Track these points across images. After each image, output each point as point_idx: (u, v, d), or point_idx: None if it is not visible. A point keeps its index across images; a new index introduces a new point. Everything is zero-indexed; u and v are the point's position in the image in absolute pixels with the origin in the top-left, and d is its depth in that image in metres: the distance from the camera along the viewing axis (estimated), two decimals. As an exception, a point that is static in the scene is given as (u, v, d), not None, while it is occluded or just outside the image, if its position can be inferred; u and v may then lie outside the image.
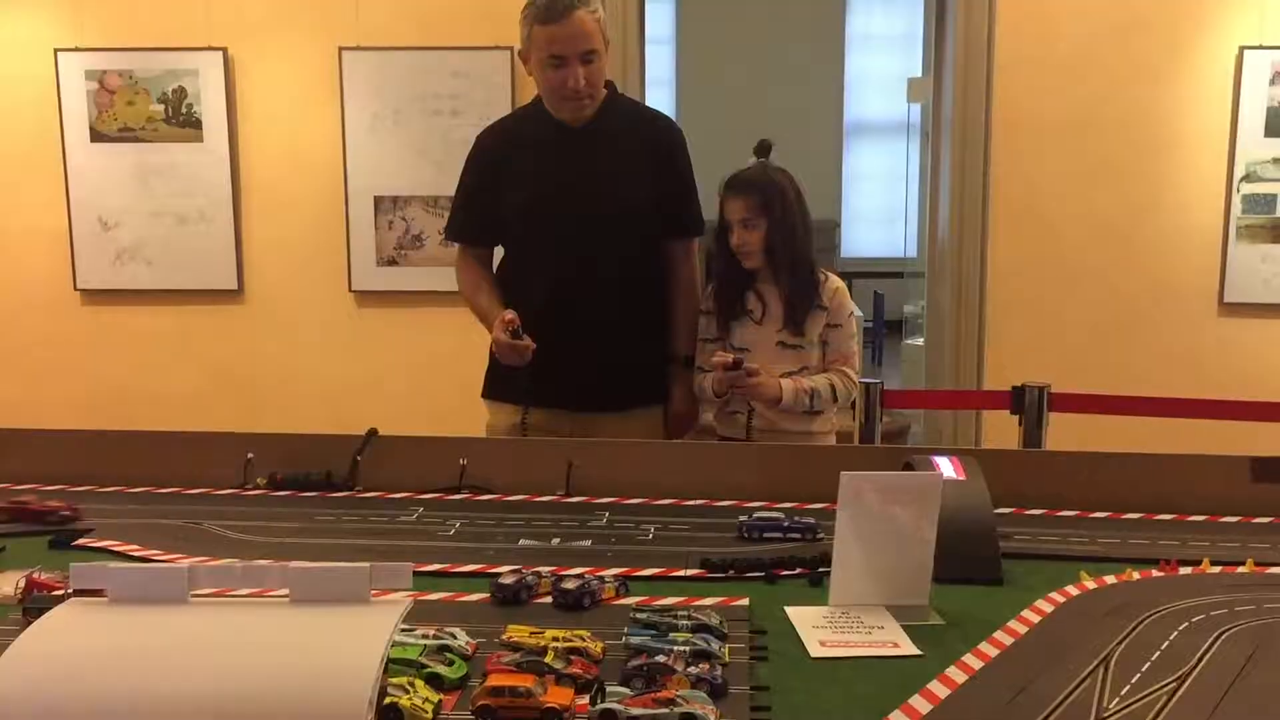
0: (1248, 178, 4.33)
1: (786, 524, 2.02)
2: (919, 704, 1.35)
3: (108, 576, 1.27)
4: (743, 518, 2.05)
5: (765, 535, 2.01)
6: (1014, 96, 4.36)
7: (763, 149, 2.77)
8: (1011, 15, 4.32)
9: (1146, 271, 4.41)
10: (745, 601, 1.69)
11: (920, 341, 5.57)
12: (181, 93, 4.46)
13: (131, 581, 1.27)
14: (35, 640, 1.20)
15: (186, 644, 1.20)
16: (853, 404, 3.03)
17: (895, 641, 1.55)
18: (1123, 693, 1.38)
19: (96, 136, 4.49)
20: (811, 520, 2.02)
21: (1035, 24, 4.33)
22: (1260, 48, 4.26)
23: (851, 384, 2.76)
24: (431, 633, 1.48)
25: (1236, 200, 4.34)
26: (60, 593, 1.58)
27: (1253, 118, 4.29)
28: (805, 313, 2.72)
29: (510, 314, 2.59)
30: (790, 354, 2.73)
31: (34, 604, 1.54)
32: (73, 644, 1.20)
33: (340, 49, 4.40)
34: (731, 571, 1.83)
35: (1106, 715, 1.32)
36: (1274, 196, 4.33)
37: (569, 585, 1.69)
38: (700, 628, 1.53)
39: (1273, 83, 4.27)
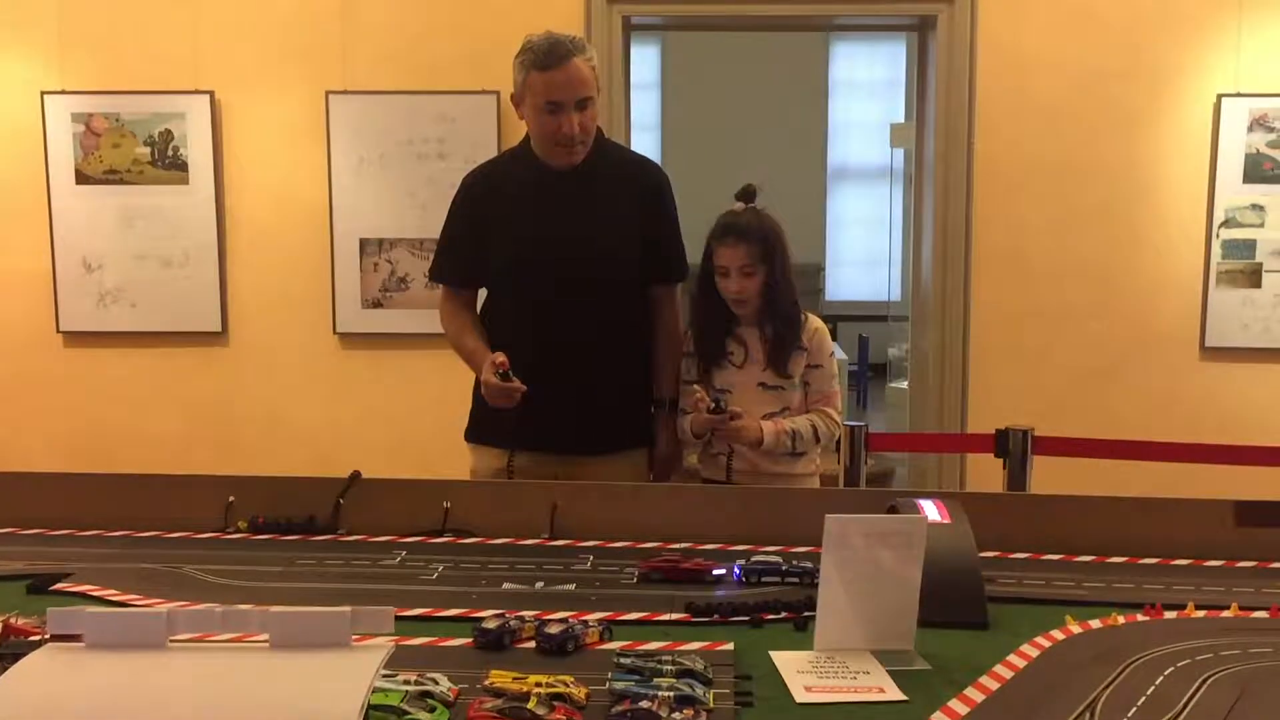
0: (1227, 223, 4.37)
1: (785, 568, 2.01)
2: (905, 750, 1.35)
3: (85, 621, 1.26)
4: (740, 562, 2.04)
5: (764, 579, 1.99)
6: (995, 142, 4.41)
7: (748, 195, 2.77)
8: (993, 62, 4.38)
9: (1128, 316, 4.44)
10: (730, 646, 1.68)
11: (905, 385, 5.59)
12: (168, 136, 4.47)
13: (109, 626, 1.26)
14: (10, 685, 1.19)
15: (164, 689, 1.18)
16: (837, 446, 3.04)
17: (880, 686, 1.54)
18: (1109, 738, 1.37)
19: (82, 179, 4.49)
20: (809, 564, 1.98)
21: (1016, 71, 4.38)
22: (1238, 95, 4.32)
23: (834, 424, 2.77)
24: (413, 678, 1.47)
25: (1216, 245, 4.38)
26: (37, 638, 1.56)
27: (1231, 164, 4.34)
28: (787, 354, 2.72)
29: (500, 356, 2.59)
30: (771, 395, 2.73)
31: (9, 649, 1.52)
32: (48, 689, 1.18)
33: (327, 93, 4.42)
34: (716, 616, 1.82)
35: (1093, 761, 1.32)
36: (1253, 242, 4.37)
37: (553, 630, 1.67)
38: (685, 673, 1.51)
39: (1250, 130, 4.33)
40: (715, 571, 2.01)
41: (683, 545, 2.18)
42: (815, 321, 2.79)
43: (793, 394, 2.74)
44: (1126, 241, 4.43)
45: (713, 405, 2.63)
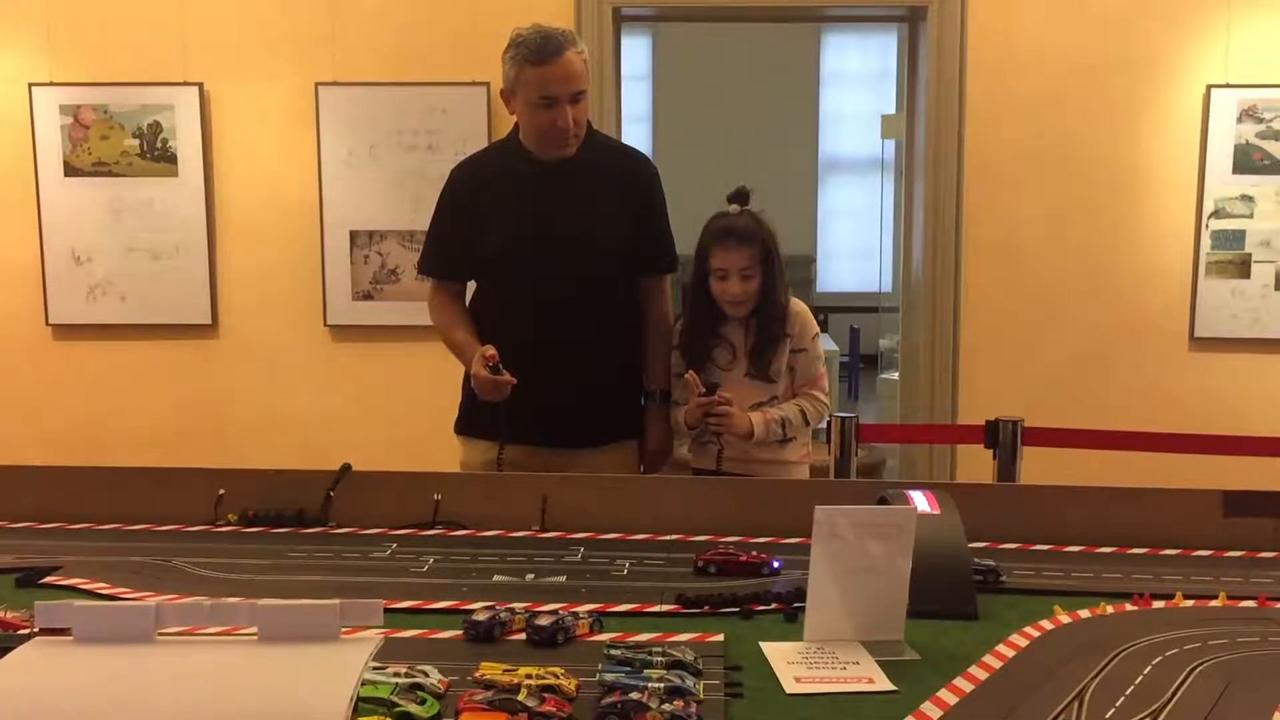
0: (1216, 214, 4.38)
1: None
2: (894, 740, 1.35)
3: (73, 615, 1.26)
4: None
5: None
6: (986, 133, 4.41)
7: (741, 196, 2.77)
8: (983, 53, 4.38)
9: (1118, 307, 4.45)
10: (720, 637, 1.68)
11: (895, 376, 5.59)
12: (157, 127, 4.45)
13: (97, 620, 1.26)
14: (-2, 680, 1.19)
15: (152, 683, 1.18)
16: (827, 436, 3.05)
17: (870, 677, 1.54)
18: (1097, 727, 1.38)
19: (70, 171, 4.47)
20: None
21: (1007, 62, 4.38)
22: (1227, 86, 4.32)
23: (822, 406, 2.78)
24: (403, 671, 1.46)
25: (1206, 236, 4.39)
26: (25, 631, 1.55)
27: (1220, 155, 4.35)
28: (773, 350, 2.73)
29: (490, 349, 2.58)
30: (758, 386, 2.74)
31: (-2, 643, 1.52)
32: (36, 683, 1.18)
33: (317, 84, 4.41)
34: (706, 607, 1.82)
35: (1081, 750, 1.32)
36: (1242, 232, 4.38)
37: (543, 622, 1.67)
38: (675, 664, 1.51)
39: (1240, 120, 4.34)
40: (774, 564, 2.00)
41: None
42: (797, 305, 2.80)
43: (779, 381, 2.75)
44: (1116, 232, 4.43)
45: (703, 390, 2.64)
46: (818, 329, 2.85)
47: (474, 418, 2.79)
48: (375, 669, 1.42)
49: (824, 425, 2.95)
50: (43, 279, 4.51)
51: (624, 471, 2.73)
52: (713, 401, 2.64)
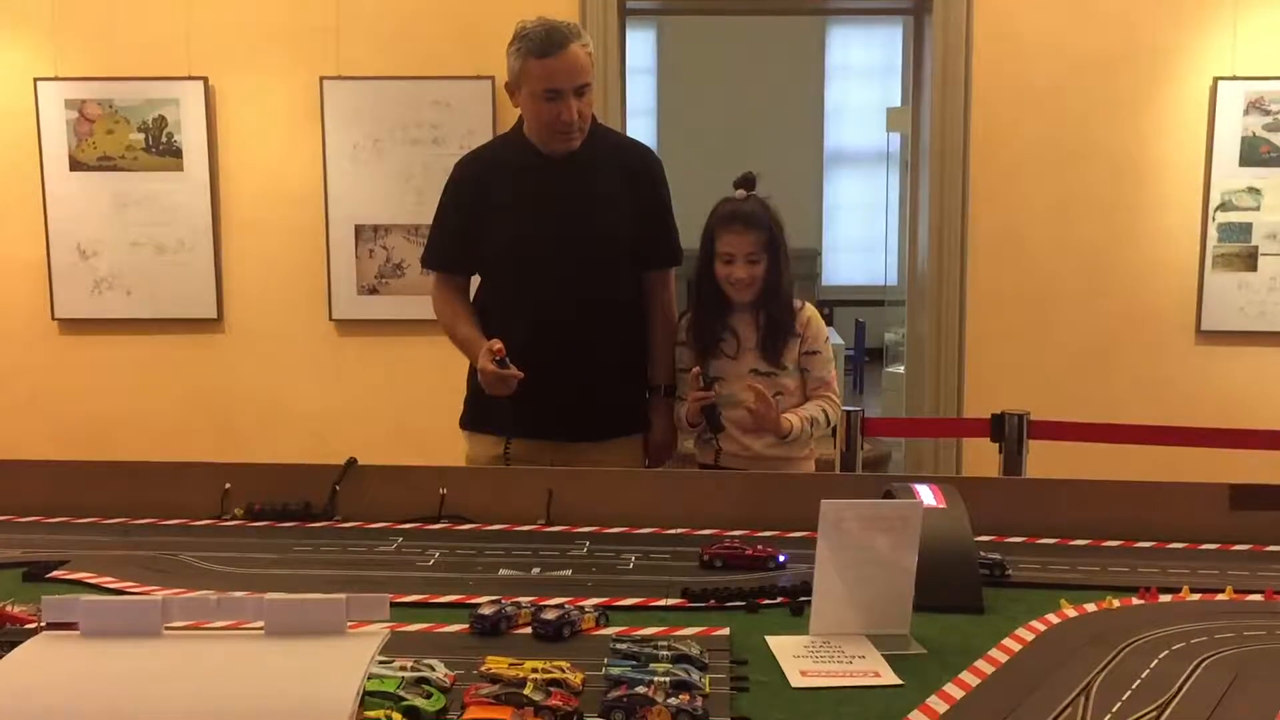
0: (1223, 206, 4.37)
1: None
2: (900, 734, 1.35)
3: (80, 609, 1.26)
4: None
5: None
6: (992, 127, 4.40)
7: (747, 182, 2.77)
8: (988, 46, 4.37)
9: (1124, 300, 4.44)
10: (726, 631, 1.68)
11: (901, 369, 5.59)
12: (162, 122, 4.45)
13: (104, 614, 1.26)
14: (4, 674, 1.19)
15: (159, 677, 1.18)
16: (833, 431, 3.05)
17: (876, 671, 1.54)
18: (1104, 721, 1.37)
19: (76, 165, 4.48)
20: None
21: (1012, 55, 4.37)
22: (1234, 78, 4.31)
23: (836, 408, 2.79)
24: (409, 664, 1.47)
25: (1212, 229, 4.38)
26: (33, 626, 1.55)
27: (1227, 147, 4.34)
28: (781, 342, 2.73)
29: (497, 343, 2.58)
30: (764, 381, 2.73)
31: (5, 637, 1.52)
32: (43, 678, 1.18)
33: (321, 78, 4.41)
34: (712, 601, 1.82)
35: (1087, 744, 1.32)
36: (1249, 225, 4.37)
37: (549, 616, 1.67)
38: (681, 658, 1.51)
39: (1246, 113, 4.32)
40: (780, 558, 2.00)
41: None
42: (809, 309, 2.80)
43: (786, 379, 2.75)
44: (1122, 225, 4.42)
45: (703, 385, 2.65)
46: (829, 334, 2.87)
47: (480, 412, 2.79)
48: (381, 663, 1.43)
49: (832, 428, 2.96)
50: (48, 273, 4.51)
51: (629, 465, 2.73)
52: (708, 395, 2.65)
